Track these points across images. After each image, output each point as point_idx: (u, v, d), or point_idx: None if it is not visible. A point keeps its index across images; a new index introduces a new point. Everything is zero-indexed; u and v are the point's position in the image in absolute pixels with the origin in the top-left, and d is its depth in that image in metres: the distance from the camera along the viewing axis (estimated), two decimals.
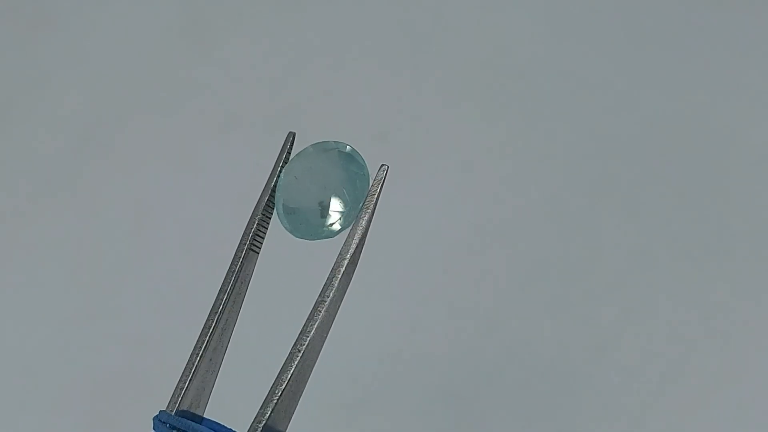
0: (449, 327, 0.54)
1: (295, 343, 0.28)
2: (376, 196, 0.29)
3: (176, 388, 0.29)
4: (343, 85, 0.62)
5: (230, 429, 0.29)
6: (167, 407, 0.29)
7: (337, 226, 0.30)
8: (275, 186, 0.31)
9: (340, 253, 0.29)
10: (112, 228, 0.58)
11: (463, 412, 0.52)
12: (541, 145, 0.59)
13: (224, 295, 0.30)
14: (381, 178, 0.30)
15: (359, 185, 0.30)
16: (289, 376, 0.28)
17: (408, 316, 0.54)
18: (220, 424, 0.29)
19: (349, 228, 0.30)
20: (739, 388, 0.52)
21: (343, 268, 0.29)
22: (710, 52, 0.61)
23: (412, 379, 0.53)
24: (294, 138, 0.31)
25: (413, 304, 0.54)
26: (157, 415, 0.28)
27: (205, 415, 0.30)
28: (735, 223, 0.56)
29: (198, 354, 0.29)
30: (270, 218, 0.31)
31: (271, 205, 0.31)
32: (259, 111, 0.61)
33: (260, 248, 0.31)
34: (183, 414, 0.29)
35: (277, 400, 0.28)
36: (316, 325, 0.28)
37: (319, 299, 0.29)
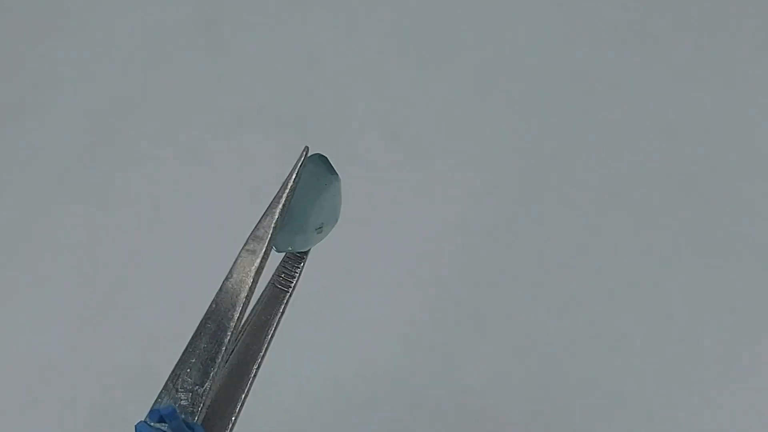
0: (456, 328, 0.54)
1: None
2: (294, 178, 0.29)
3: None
4: (355, 84, 0.62)
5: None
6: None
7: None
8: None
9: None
10: (125, 225, 0.58)
11: (472, 414, 0.52)
12: (554, 145, 0.59)
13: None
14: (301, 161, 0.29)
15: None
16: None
17: (415, 316, 0.54)
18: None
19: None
20: (752, 389, 0.52)
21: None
22: (720, 51, 0.61)
23: (418, 380, 0.53)
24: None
25: (422, 304, 0.54)
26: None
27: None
28: (748, 224, 0.56)
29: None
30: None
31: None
32: (272, 109, 0.61)
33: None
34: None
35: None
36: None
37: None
